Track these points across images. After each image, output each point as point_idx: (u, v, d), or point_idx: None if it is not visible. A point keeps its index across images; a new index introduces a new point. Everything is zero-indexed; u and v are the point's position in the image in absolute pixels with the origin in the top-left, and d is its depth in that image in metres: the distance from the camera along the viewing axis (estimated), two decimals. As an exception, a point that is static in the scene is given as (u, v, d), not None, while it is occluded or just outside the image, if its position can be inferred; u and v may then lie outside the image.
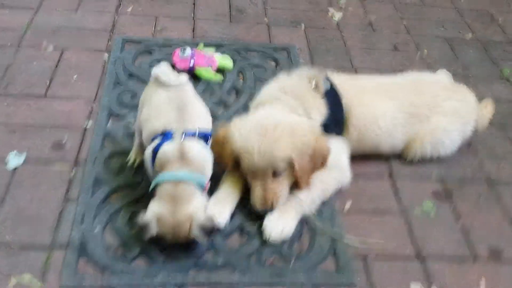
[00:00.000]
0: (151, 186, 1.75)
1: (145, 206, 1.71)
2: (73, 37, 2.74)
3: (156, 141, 1.77)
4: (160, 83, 1.88)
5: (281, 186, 1.90)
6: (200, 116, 1.88)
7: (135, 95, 2.38)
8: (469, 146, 2.35)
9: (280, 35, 2.98)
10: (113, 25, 2.87)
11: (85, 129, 2.22)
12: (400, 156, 2.26)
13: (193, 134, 1.79)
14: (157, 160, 1.75)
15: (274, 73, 2.48)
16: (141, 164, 2.02)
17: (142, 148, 2.04)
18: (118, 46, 2.71)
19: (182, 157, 1.73)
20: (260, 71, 2.67)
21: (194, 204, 1.71)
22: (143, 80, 2.44)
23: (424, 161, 2.26)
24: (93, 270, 1.69)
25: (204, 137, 1.82)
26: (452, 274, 1.82)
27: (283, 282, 1.75)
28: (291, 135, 1.86)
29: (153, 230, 1.68)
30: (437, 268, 1.84)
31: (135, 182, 2.03)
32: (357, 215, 2.02)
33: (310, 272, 1.78)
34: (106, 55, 2.65)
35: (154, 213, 1.68)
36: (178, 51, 2.58)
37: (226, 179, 2.00)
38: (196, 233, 1.68)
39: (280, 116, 1.93)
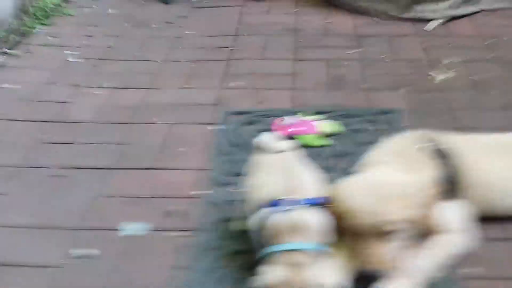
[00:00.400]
0: (261, 256, 1.72)
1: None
2: (180, 113, 2.89)
3: (263, 212, 1.75)
4: (263, 151, 1.91)
5: (397, 246, 1.79)
6: (308, 182, 1.86)
7: (239, 164, 2.42)
8: None
9: (380, 99, 2.95)
10: (218, 99, 3.00)
11: (193, 198, 2.28)
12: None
13: (302, 203, 1.75)
14: (266, 231, 1.72)
15: (375, 137, 2.44)
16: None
17: (246, 217, 2.07)
18: (222, 118, 2.81)
19: (293, 227, 1.70)
20: (361, 136, 2.64)
21: (316, 270, 1.65)
22: (247, 150, 2.47)
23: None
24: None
25: (314, 204, 1.77)
26: None
27: None
28: (403, 193, 1.78)
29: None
30: None
31: (246, 249, 1.98)
32: (494, 283, 1.84)
33: None
34: (211, 127, 2.75)
35: (273, 278, 1.63)
36: (277, 121, 2.64)
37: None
38: None
39: (389, 176, 1.87)
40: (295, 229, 1.69)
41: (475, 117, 2.75)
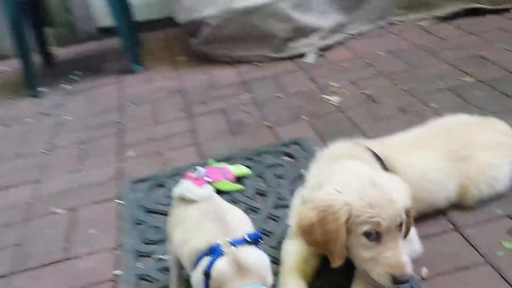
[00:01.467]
0: None
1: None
2: (80, 195, 2.62)
3: (204, 262, 1.55)
4: (186, 201, 1.73)
5: (403, 243, 1.70)
6: (242, 220, 1.70)
7: (158, 229, 2.21)
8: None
9: (285, 132, 2.89)
10: (118, 173, 2.77)
11: (116, 279, 2.01)
12: (455, 207, 2.07)
13: (243, 241, 1.58)
14: (213, 282, 1.52)
15: (293, 167, 2.38)
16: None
17: (182, 278, 1.86)
18: (129, 189, 2.58)
19: (240, 269, 1.51)
20: (278, 169, 2.54)
21: None
22: (163, 213, 2.28)
23: (483, 203, 2.07)
24: None
25: (255, 239, 1.60)
26: None
27: None
28: (397, 183, 1.71)
29: None
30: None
31: None
32: (440, 279, 1.78)
33: None
34: (117, 201, 2.51)
35: None
36: (190, 174, 2.45)
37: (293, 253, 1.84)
38: None
39: (372, 170, 1.81)
40: (240, 271, 1.51)
41: (377, 125, 2.78)
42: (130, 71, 4.19)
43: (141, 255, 2.13)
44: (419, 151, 2.05)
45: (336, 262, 1.68)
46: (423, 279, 1.78)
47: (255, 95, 3.44)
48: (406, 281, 1.61)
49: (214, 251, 1.54)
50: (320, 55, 3.89)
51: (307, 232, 1.71)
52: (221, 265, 1.52)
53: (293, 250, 1.85)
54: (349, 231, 1.65)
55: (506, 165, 2.11)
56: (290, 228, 1.92)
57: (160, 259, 2.07)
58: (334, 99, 3.16)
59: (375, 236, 1.62)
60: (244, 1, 3.73)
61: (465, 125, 2.22)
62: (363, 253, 1.65)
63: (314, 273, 1.82)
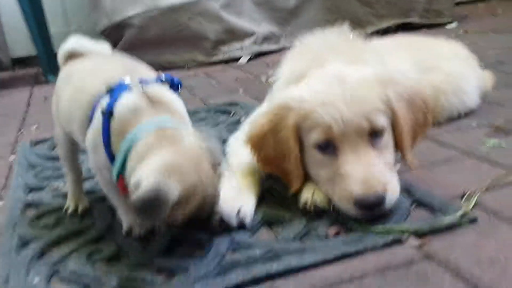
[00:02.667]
0: (118, 164, 1.11)
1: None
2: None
3: (104, 101, 1.16)
4: (76, 58, 1.37)
5: (383, 157, 1.24)
6: (144, 67, 1.33)
7: (58, 169, 1.72)
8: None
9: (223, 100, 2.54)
10: (17, 141, 2.27)
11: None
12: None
13: (156, 80, 1.22)
14: (116, 121, 1.13)
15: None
16: (87, 211, 1.42)
17: (80, 186, 1.45)
18: (26, 147, 2.09)
19: (152, 104, 1.15)
20: (216, 119, 2.20)
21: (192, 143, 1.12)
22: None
23: (454, 120, 1.82)
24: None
25: (172, 83, 1.23)
26: None
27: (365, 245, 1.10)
28: (382, 82, 1.28)
29: (174, 193, 1.01)
30: None
31: (83, 227, 1.33)
32: (419, 171, 1.42)
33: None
34: (12, 157, 2.02)
35: (159, 168, 1.03)
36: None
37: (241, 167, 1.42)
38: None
39: (354, 69, 1.34)
40: (157, 105, 1.16)
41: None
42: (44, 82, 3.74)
43: (32, 187, 1.63)
44: (396, 57, 1.73)
45: (294, 185, 1.29)
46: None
47: (186, 84, 3.09)
48: (374, 204, 1.16)
49: (116, 89, 1.17)
50: (252, 59, 3.65)
51: (258, 145, 1.33)
52: (128, 99, 1.14)
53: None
54: (302, 143, 1.28)
55: (472, 77, 1.87)
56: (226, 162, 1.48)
57: (56, 189, 1.59)
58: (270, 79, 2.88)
59: (330, 147, 1.23)
60: (171, -1, 3.50)
61: (423, 40, 1.98)
62: (320, 172, 1.27)
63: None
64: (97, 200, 1.45)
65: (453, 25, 4.13)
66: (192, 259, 1.12)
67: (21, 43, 4.43)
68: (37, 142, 2.15)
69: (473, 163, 1.46)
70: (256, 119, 1.41)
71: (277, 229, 1.22)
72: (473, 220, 1.14)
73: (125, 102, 1.14)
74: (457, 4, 5.15)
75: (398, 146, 1.30)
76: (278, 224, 1.24)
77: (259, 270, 1.04)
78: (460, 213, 1.14)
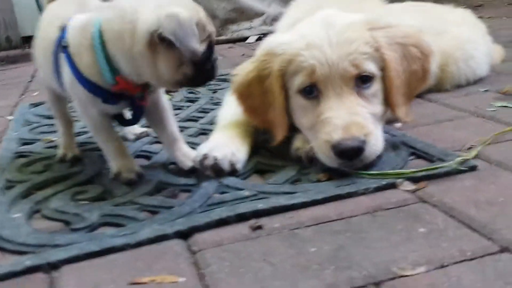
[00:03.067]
0: (101, 59, 1.10)
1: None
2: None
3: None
4: None
5: (370, 107, 1.18)
6: None
7: (53, 126, 1.69)
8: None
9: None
10: (17, 104, 2.25)
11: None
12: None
13: None
14: (72, 43, 1.14)
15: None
16: (77, 160, 1.39)
17: (70, 134, 1.42)
18: (25, 107, 2.07)
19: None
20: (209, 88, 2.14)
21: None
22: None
23: (462, 87, 1.76)
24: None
25: None
26: None
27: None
28: (372, 26, 1.21)
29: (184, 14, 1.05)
30: None
31: (72, 172, 1.30)
32: (420, 129, 1.39)
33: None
34: (11, 117, 1.99)
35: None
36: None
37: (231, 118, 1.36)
38: None
39: (345, 15, 1.28)
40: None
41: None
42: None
43: (26, 141, 1.60)
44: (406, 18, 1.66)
45: (278, 135, 1.23)
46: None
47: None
48: (353, 150, 1.09)
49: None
50: (262, 38, 3.60)
51: (244, 95, 1.27)
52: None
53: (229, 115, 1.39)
54: (287, 90, 1.22)
55: (482, 44, 1.81)
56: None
57: (49, 142, 1.56)
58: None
59: (314, 92, 1.17)
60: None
61: (432, 6, 1.92)
62: (302, 119, 1.21)
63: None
64: (89, 150, 1.42)
65: (468, 12, 4.05)
66: (179, 199, 1.08)
67: (32, 21, 4.41)
68: (36, 104, 2.12)
69: (478, 121, 1.42)
70: (242, 67, 1.34)
71: (269, 175, 1.18)
72: (473, 168, 1.09)
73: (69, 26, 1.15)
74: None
75: (388, 98, 1.21)
76: (270, 172, 1.20)
77: (244, 207, 1.00)
78: (459, 159, 1.09)
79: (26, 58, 3.94)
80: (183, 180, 1.17)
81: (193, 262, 0.87)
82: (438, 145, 1.23)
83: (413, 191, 1.03)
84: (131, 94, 1.14)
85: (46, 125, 1.76)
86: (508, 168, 1.09)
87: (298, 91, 1.20)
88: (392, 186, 1.05)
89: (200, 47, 1.04)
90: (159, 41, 1.02)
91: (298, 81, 1.19)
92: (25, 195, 1.17)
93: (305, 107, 1.20)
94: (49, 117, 1.86)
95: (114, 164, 1.20)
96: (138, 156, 1.38)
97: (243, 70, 1.29)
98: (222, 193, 1.09)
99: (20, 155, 1.47)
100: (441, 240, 0.85)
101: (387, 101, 1.21)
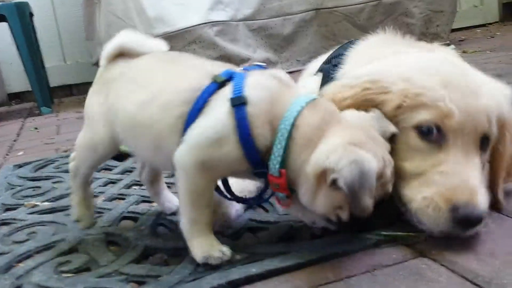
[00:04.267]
0: (281, 151, 0.96)
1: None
2: None
3: (225, 90, 1.02)
4: (124, 57, 1.20)
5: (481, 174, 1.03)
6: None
7: (38, 188, 1.66)
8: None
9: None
10: (1, 164, 2.20)
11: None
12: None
13: (258, 67, 1.10)
14: (255, 107, 0.98)
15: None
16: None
17: (88, 193, 1.27)
18: (9, 169, 2.01)
19: (284, 83, 1.04)
20: None
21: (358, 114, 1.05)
22: (46, 178, 1.76)
23: None
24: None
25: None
26: None
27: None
28: (495, 88, 1.09)
29: (377, 164, 0.93)
30: None
31: (55, 240, 1.24)
32: None
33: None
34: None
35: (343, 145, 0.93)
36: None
37: None
38: None
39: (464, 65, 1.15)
40: (285, 84, 1.04)
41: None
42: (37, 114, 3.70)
43: (8, 207, 1.54)
44: None
45: None
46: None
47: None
48: (477, 220, 0.94)
49: (231, 77, 1.03)
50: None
51: None
52: (258, 79, 1.02)
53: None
54: (396, 122, 1.05)
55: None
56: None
57: (35, 205, 1.50)
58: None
59: (436, 134, 1.01)
60: (165, 27, 3.48)
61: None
62: (409, 161, 1.03)
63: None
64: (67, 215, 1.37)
65: (452, 46, 4.10)
66: (167, 266, 1.03)
67: (18, 78, 4.41)
68: (20, 165, 2.07)
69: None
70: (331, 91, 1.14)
71: (261, 234, 1.13)
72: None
73: (258, 85, 1.00)
74: (455, 30, 5.15)
75: (490, 175, 1.07)
76: (262, 230, 1.15)
77: (237, 273, 0.94)
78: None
79: (12, 115, 3.92)
80: (171, 244, 1.11)
81: None
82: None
83: (412, 244, 0.98)
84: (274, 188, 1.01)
85: (30, 187, 1.71)
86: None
87: (415, 127, 1.03)
88: (390, 240, 1.01)
89: (371, 203, 0.92)
90: (330, 182, 0.91)
91: (421, 117, 1.02)
92: (6, 268, 1.11)
93: (419, 149, 1.03)
94: (33, 179, 1.82)
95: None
96: (124, 218, 1.33)
97: (334, 94, 1.11)
98: (213, 256, 1.04)
99: (2, 222, 1.41)
100: (446, 300, 0.80)
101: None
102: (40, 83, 3.77)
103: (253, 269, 0.95)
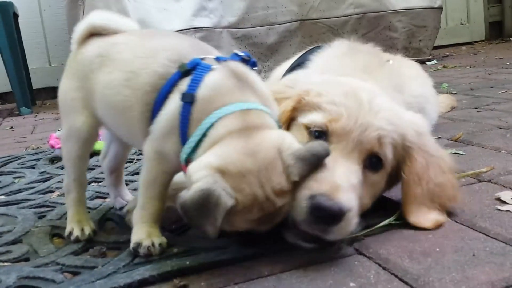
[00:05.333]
0: (191, 145, 0.97)
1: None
2: None
3: (183, 83, 1.01)
4: (100, 36, 1.17)
5: (364, 191, 1.03)
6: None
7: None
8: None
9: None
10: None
11: None
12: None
13: (235, 57, 1.07)
14: (199, 107, 0.98)
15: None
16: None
17: (84, 201, 1.21)
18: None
19: (240, 84, 1.01)
20: None
21: (277, 133, 0.98)
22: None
23: None
24: None
25: (249, 61, 1.09)
26: None
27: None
28: (401, 116, 1.10)
29: (226, 202, 0.88)
30: None
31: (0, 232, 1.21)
32: None
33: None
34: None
35: (213, 166, 0.91)
36: (54, 134, 1.94)
37: None
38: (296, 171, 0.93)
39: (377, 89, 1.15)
40: (243, 87, 1.01)
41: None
42: (16, 114, 3.69)
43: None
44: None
45: None
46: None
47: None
48: (331, 212, 0.91)
49: (195, 67, 1.02)
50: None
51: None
52: (215, 81, 1.00)
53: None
54: (293, 119, 1.11)
55: (431, 95, 1.81)
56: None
57: None
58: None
59: (322, 135, 1.04)
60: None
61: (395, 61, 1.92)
62: None
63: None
64: (26, 208, 1.36)
65: (434, 61, 4.13)
66: (105, 258, 1.02)
67: (1, 79, 4.40)
68: (-13, 161, 2.06)
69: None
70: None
71: (205, 230, 1.12)
72: (413, 217, 1.05)
73: (212, 85, 0.99)
74: (441, 46, 5.20)
75: (403, 198, 1.08)
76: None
77: (170, 265, 0.93)
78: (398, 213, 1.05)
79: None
80: (113, 238, 1.11)
81: (106, 328, 0.80)
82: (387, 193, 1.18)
83: (351, 242, 0.98)
84: None
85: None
86: (450, 216, 1.05)
87: (305, 126, 1.06)
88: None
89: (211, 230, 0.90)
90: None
91: (313, 117, 1.06)
92: None
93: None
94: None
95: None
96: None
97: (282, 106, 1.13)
98: (152, 249, 1.03)
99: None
100: (370, 296, 0.79)
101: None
102: (21, 84, 3.76)
103: (187, 261, 0.94)
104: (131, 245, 1.01)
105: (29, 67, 4.21)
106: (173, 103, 1.00)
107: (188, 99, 0.98)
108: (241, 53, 1.08)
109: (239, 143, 0.93)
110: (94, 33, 1.17)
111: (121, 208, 1.27)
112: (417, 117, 1.14)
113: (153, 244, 0.99)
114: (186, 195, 0.88)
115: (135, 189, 1.43)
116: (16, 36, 3.86)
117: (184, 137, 0.98)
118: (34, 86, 4.27)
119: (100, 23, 1.17)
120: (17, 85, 3.70)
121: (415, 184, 1.06)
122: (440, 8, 4.24)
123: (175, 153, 1.00)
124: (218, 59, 1.05)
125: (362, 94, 1.07)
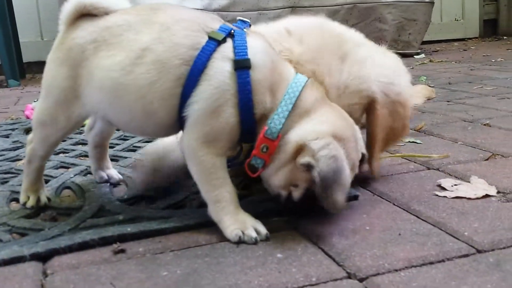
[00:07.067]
0: (283, 117, 0.97)
1: None
2: None
3: (225, 49, 0.97)
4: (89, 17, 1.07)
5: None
6: None
7: None
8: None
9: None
10: None
11: None
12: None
13: (245, 25, 1.05)
14: (260, 72, 0.96)
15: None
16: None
17: (43, 168, 1.18)
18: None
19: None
20: None
21: None
22: None
23: None
24: None
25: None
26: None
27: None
28: (377, 64, 1.18)
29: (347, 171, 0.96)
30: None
31: None
32: None
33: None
34: None
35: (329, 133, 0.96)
36: (30, 105, 1.98)
37: None
38: None
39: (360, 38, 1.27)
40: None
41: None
42: (5, 86, 3.71)
43: None
44: None
45: None
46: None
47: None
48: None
49: (229, 34, 0.99)
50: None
51: None
52: (259, 43, 1.00)
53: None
54: None
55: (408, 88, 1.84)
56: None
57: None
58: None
59: None
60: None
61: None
62: None
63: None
64: None
65: (422, 55, 4.16)
66: (53, 222, 1.06)
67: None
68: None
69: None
70: None
71: (158, 202, 1.16)
72: (355, 197, 1.09)
73: (262, 50, 0.98)
74: (434, 42, 5.22)
75: (367, 149, 1.12)
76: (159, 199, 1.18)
77: (111, 231, 0.97)
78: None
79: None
80: (66, 204, 1.14)
81: (40, 285, 0.84)
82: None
83: (290, 221, 1.02)
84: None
85: None
86: (390, 199, 1.09)
87: None
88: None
89: (343, 200, 0.92)
90: (304, 162, 0.93)
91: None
92: None
93: None
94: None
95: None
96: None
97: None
98: (100, 217, 1.07)
99: None
100: (292, 266, 0.83)
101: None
102: (10, 56, 3.78)
103: (129, 228, 0.98)
104: (231, 238, 0.94)
105: (21, 40, 4.23)
106: (220, 72, 0.95)
107: (243, 65, 0.95)
108: (247, 20, 1.06)
109: (333, 111, 1.00)
110: (83, 13, 1.08)
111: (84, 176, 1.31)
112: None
113: (256, 231, 0.95)
114: (318, 164, 0.90)
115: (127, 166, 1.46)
116: (8, 8, 3.88)
117: (246, 107, 0.94)
118: (26, 60, 4.29)
119: (89, 2, 1.07)
120: (6, 57, 3.72)
121: (378, 136, 1.15)
122: (431, 3, 4.26)
123: (231, 127, 0.95)
124: (237, 26, 1.03)
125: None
